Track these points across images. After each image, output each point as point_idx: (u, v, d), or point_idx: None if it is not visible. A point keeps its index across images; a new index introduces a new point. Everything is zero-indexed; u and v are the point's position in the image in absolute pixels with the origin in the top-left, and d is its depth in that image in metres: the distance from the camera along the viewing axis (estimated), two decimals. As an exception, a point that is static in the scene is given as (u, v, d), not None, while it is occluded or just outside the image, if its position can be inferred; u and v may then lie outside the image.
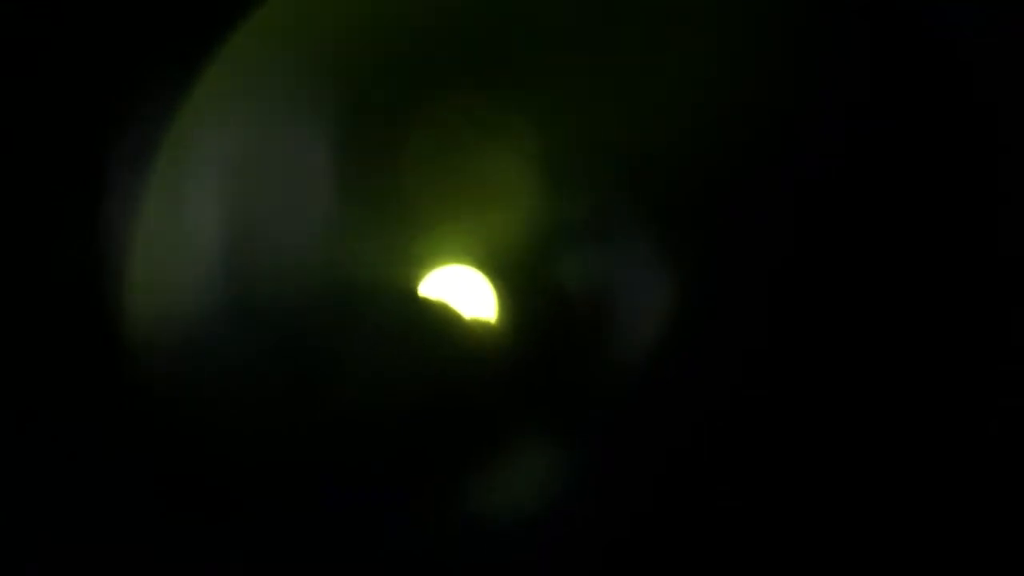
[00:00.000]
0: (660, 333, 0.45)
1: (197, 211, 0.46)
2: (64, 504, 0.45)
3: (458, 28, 0.46)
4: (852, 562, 0.44)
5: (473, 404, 0.46)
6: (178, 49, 0.45)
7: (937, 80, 0.44)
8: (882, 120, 0.45)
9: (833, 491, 0.44)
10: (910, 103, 0.45)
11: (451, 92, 0.46)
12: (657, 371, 0.45)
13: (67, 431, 0.45)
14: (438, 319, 0.46)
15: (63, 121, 0.45)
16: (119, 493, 0.45)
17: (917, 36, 0.45)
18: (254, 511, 0.46)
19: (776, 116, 0.45)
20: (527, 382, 0.46)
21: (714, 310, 0.45)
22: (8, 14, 0.45)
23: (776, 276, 0.45)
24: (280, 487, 0.46)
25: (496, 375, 0.46)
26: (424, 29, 0.46)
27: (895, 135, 0.44)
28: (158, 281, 0.46)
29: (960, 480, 0.44)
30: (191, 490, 0.45)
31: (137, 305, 0.46)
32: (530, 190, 0.45)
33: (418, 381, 0.46)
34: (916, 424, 0.44)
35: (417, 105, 0.46)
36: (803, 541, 0.44)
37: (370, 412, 0.45)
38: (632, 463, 0.45)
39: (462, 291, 0.46)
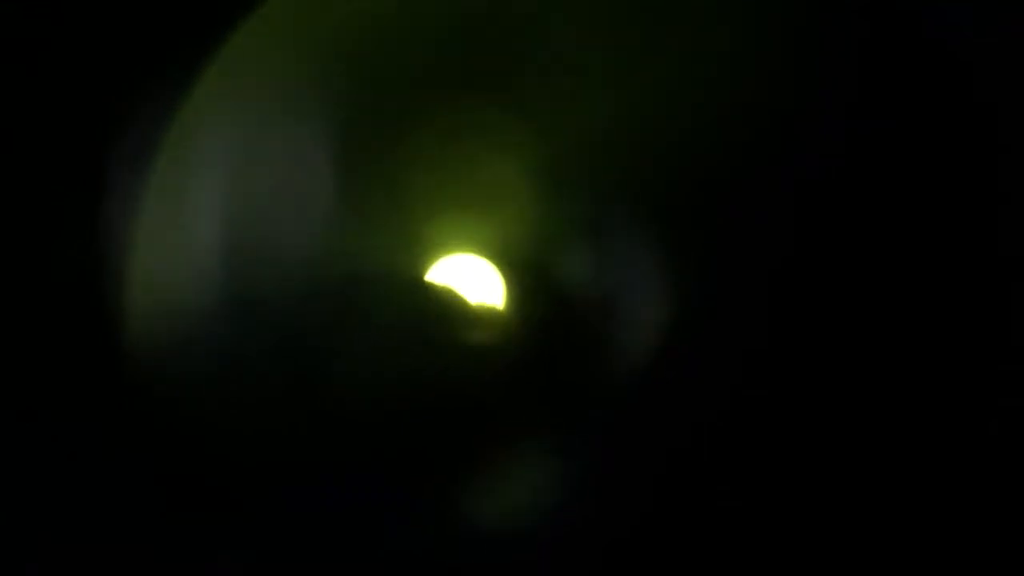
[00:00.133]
0: (660, 333, 0.45)
1: (197, 211, 0.46)
2: (64, 504, 0.45)
3: (458, 28, 0.46)
4: (852, 562, 0.44)
5: (473, 404, 0.46)
6: (178, 49, 0.45)
7: (937, 80, 0.44)
8: (882, 120, 0.45)
9: (833, 491, 0.44)
10: (910, 103, 0.45)
11: (452, 91, 0.46)
12: (657, 371, 0.45)
13: (67, 431, 0.45)
14: (440, 315, 0.46)
15: (63, 121, 0.45)
16: (119, 493, 0.45)
17: (917, 36, 0.45)
18: (254, 511, 0.46)
19: (776, 116, 0.45)
20: (527, 382, 0.46)
21: (714, 310, 0.45)
22: (8, 14, 0.45)
23: (776, 276, 0.45)
24: (280, 487, 0.46)
25: (496, 375, 0.46)
26: (424, 28, 0.46)
27: (895, 135, 0.44)
28: (158, 281, 0.46)
29: (960, 480, 0.44)
30: (191, 490, 0.45)
31: (137, 305, 0.46)
32: (530, 189, 0.45)
33: (419, 378, 0.46)
34: (916, 424, 0.44)
35: (417, 104, 0.46)
36: (803, 541, 0.44)
37: (371, 411, 0.45)
38: (632, 463, 0.45)
39: (462, 288, 0.46)
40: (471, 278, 0.46)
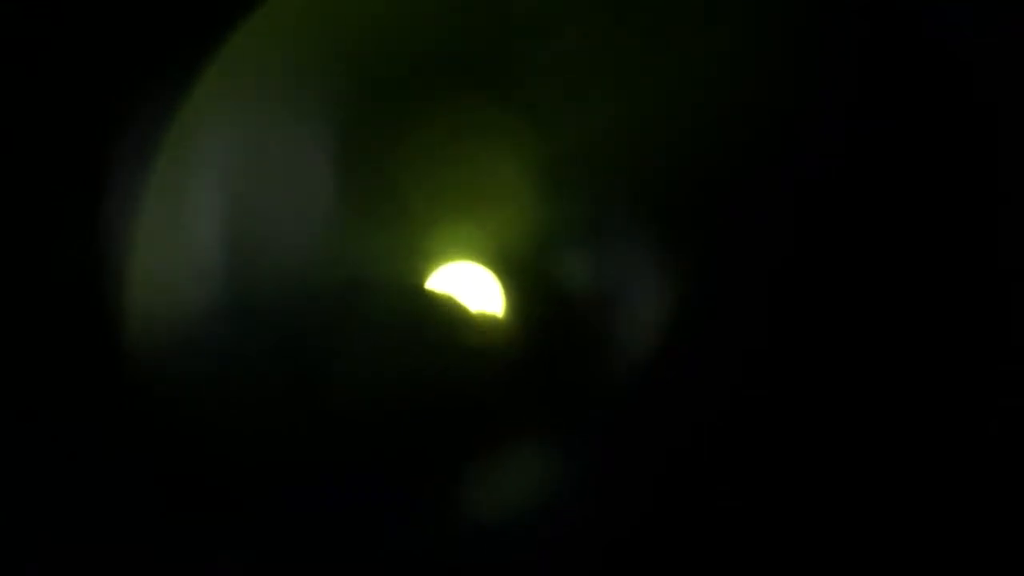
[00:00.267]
0: (660, 333, 0.45)
1: (197, 211, 0.46)
2: (64, 504, 0.45)
3: (459, 28, 0.46)
4: (852, 562, 0.44)
5: (473, 404, 0.46)
6: (178, 49, 0.45)
7: (937, 80, 0.44)
8: (882, 120, 0.45)
9: (833, 491, 0.44)
10: (910, 103, 0.45)
11: (452, 92, 0.46)
12: (657, 371, 0.45)
13: (67, 431, 0.45)
14: (440, 316, 0.46)
15: (63, 121, 0.45)
16: (119, 493, 0.45)
17: (917, 36, 0.45)
18: (254, 511, 0.46)
19: (776, 116, 0.45)
20: (527, 382, 0.46)
21: (714, 310, 0.45)
22: (8, 14, 0.45)
23: (776, 276, 0.45)
24: (280, 487, 0.46)
25: (495, 375, 0.46)
26: (425, 29, 0.46)
27: (895, 135, 0.44)
28: (158, 281, 0.46)
29: (960, 480, 0.44)
30: (191, 490, 0.45)
31: (137, 305, 0.46)
32: (530, 190, 0.45)
33: (419, 379, 0.46)
34: (916, 424, 0.44)
35: (417, 104, 0.46)
36: (803, 541, 0.44)
37: (371, 412, 0.45)
38: (632, 463, 0.45)
39: (461, 289, 0.46)
40: (471, 278, 0.46)
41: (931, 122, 0.45)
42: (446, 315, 0.47)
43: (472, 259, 0.47)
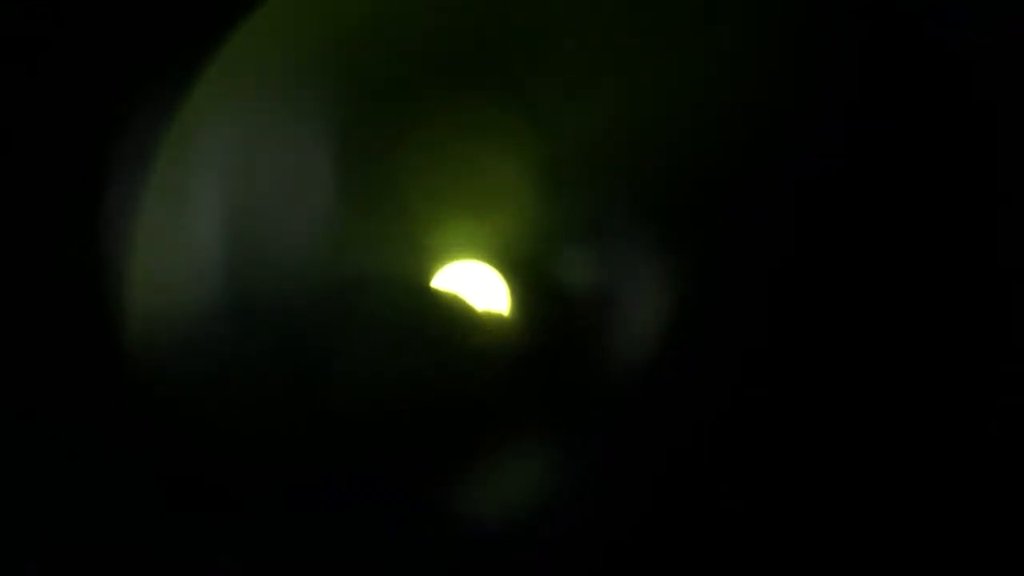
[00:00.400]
0: (660, 333, 0.45)
1: (197, 211, 0.46)
2: (64, 504, 0.45)
3: (459, 28, 0.46)
4: (852, 562, 0.44)
5: (473, 403, 0.46)
6: (178, 49, 0.45)
7: (937, 80, 0.44)
8: (882, 120, 0.45)
9: (833, 491, 0.44)
10: (910, 103, 0.45)
11: (452, 92, 0.46)
12: (657, 371, 0.45)
13: (67, 431, 0.45)
14: (439, 316, 0.46)
15: (63, 121, 0.45)
16: (119, 493, 0.45)
17: (917, 36, 0.45)
18: (254, 511, 0.46)
19: (776, 116, 0.45)
20: (527, 382, 0.46)
21: (714, 310, 0.45)
22: (8, 14, 0.45)
23: (776, 276, 0.45)
24: (280, 487, 0.46)
25: (495, 375, 0.46)
26: (425, 29, 0.46)
27: (895, 135, 0.44)
28: (158, 281, 0.46)
29: (960, 480, 0.44)
30: (191, 490, 0.45)
31: (137, 305, 0.46)
32: (531, 189, 0.45)
33: (419, 379, 0.46)
34: (916, 424, 0.44)
35: (417, 104, 0.46)
36: (803, 541, 0.44)
37: (371, 412, 0.45)
38: (632, 463, 0.45)
39: (461, 289, 0.46)
40: (471, 278, 0.46)
41: (931, 122, 0.45)
42: (446, 314, 0.47)
43: (472, 258, 0.47)
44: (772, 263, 0.45)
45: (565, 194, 0.45)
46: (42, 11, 0.45)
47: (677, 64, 0.45)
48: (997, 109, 0.44)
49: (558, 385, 0.46)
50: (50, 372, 0.45)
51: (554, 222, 0.46)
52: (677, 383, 0.45)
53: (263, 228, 0.46)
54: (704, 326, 0.45)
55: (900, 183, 0.44)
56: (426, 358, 0.46)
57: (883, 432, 0.44)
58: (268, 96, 0.46)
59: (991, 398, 0.44)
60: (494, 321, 0.46)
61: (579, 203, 0.45)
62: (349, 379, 0.46)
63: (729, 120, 0.44)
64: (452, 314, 0.46)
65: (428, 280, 0.47)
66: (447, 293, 0.47)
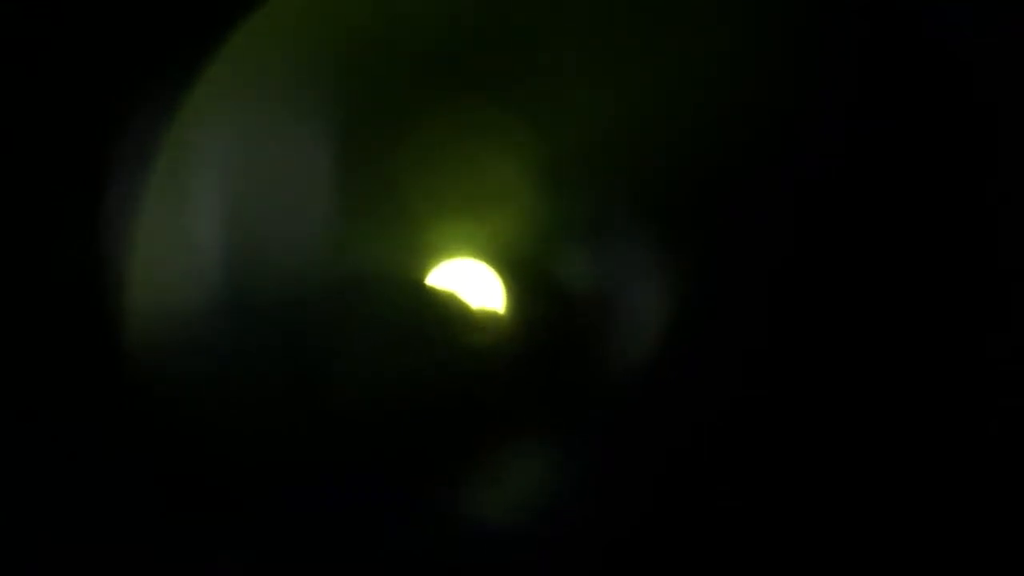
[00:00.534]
0: (660, 333, 0.45)
1: (197, 211, 0.46)
2: (64, 504, 0.45)
3: (459, 28, 0.46)
4: (852, 562, 0.44)
5: (473, 403, 0.46)
6: (178, 49, 0.45)
7: (937, 80, 0.44)
8: (882, 120, 0.45)
9: (833, 491, 0.44)
10: (910, 103, 0.45)
11: (452, 91, 0.46)
12: (657, 371, 0.45)
13: (67, 431, 0.45)
14: (439, 316, 0.46)
15: (63, 121, 0.45)
16: (119, 493, 0.45)
17: (917, 36, 0.45)
18: (254, 511, 0.46)
19: (776, 116, 0.45)
20: (527, 381, 0.46)
21: (714, 310, 0.45)
22: (8, 14, 0.45)
23: (775, 276, 0.45)
24: (280, 487, 0.46)
25: (496, 374, 0.46)
26: (424, 29, 0.46)
27: (895, 135, 0.44)
28: (158, 281, 0.46)
29: (960, 480, 0.44)
30: (191, 490, 0.45)
31: (137, 305, 0.46)
32: (531, 189, 0.45)
33: (419, 379, 0.46)
34: (916, 424, 0.44)
35: (417, 104, 0.46)
36: (803, 541, 0.44)
37: (371, 412, 0.45)
38: (632, 463, 0.45)
39: (461, 288, 0.47)
40: (471, 278, 0.46)
41: (931, 122, 0.45)
42: (446, 314, 0.47)
43: (472, 258, 0.47)
44: (772, 263, 0.45)
45: (565, 194, 0.45)
46: (42, 11, 0.45)
47: (677, 64, 0.45)
48: (997, 109, 0.44)
49: (558, 385, 0.46)
50: (50, 372, 0.45)
51: (554, 222, 0.46)
52: (677, 383, 0.45)
53: (263, 228, 0.46)
54: (704, 326, 0.45)
55: (900, 183, 0.44)
56: (426, 358, 0.46)
57: (883, 432, 0.44)
58: (268, 96, 0.46)
59: (991, 398, 0.44)
60: (494, 321, 0.46)
61: (579, 203, 0.45)
62: (349, 379, 0.46)
63: (729, 120, 0.44)
64: (452, 314, 0.46)
65: (428, 280, 0.47)
66: (447, 293, 0.47)
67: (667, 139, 0.44)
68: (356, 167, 0.46)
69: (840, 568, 0.44)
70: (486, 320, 0.46)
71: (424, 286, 0.47)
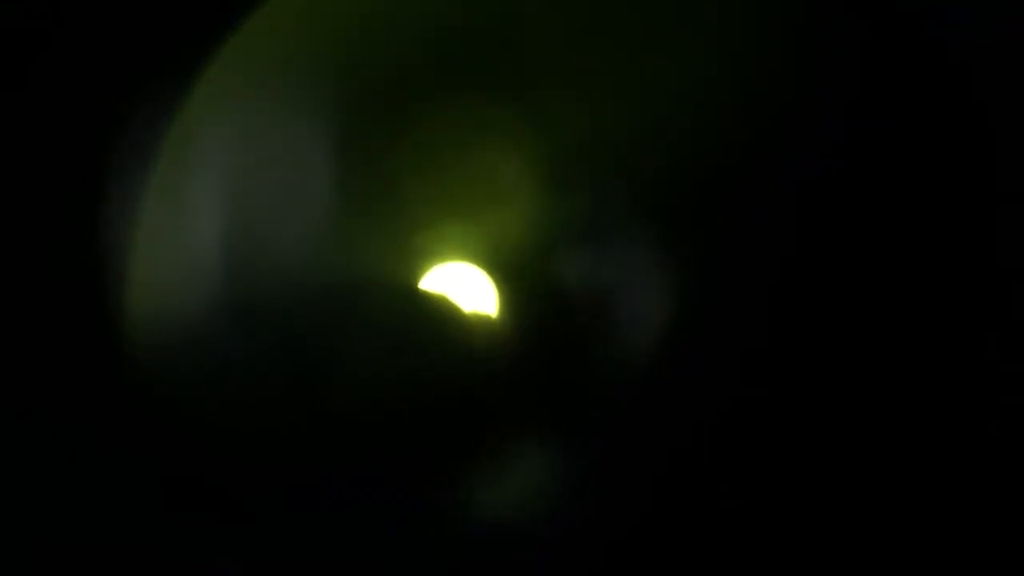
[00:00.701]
0: (660, 333, 0.45)
1: (197, 211, 0.46)
2: (64, 504, 0.45)
3: (458, 28, 0.46)
4: (852, 562, 0.44)
5: (473, 403, 0.46)
6: (178, 49, 0.45)
7: (937, 80, 0.44)
8: (881, 120, 0.45)
9: (833, 491, 0.44)
10: (909, 103, 0.45)
11: (451, 92, 0.46)
12: (657, 371, 0.45)
13: (67, 431, 0.45)
14: (439, 316, 0.46)
15: (63, 121, 0.45)
16: (119, 493, 0.45)
17: (917, 36, 0.45)
18: (254, 511, 0.46)
19: (776, 116, 0.45)
20: (527, 382, 0.46)
21: (714, 310, 0.45)
22: (8, 14, 0.45)
23: (775, 276, 0.45)
24: (280, 487, 0.46)
25: (496, 374, 0.46)
26: (424, 29, 0.46)
27: (894, 135, 0.44)
28: (158, 281, 0.46)
29: (960, 480, 0.44)
30: (191, 490, 0.45)
31: (137, 305, 0.46)
32: (530, 190, 0.45)
33: (418, 379, 0.46)
34: (916, 424, 0.44)
35: (417, 104, 0.46)
36: (803, 541, 0.44)
37: (370, 412, 0.45)
38: (632, 463, 0.45)
39: (462, 289, 0.46)
40: (471, 278, 0.46)
41: (931, 122, 0.45)
42: (446, 315, 0.47)
43: (472, 259, 0.47)
44: (772, 263, 0.45)
45: (565, 195, 0.45)
46: (42, 11, 0.45)
47: (677, 64, 0.45)
48: (997, 109, 0.44)
49: (558, 385, 0.46)
50: (50, 372, 0.45)
51: (554, 222, 0.46)
52: (677, 383, 0.45)
53: (263, 228, 0.46)
54: (704, 326, 0.45)
55: (900, 183, 0.44)
56: (426, 358, 0.46)
57: (883, 432, 0.44)
58: (268, 96, 0.46)
59: (991, 398, 0.44)
60: (494, 321, 0.46)
61: (579, 203, 0.45)
62: (349, 379, 0.46)
63: (729, 120, 0.44)
64: (452, 314, 0.46)
65: (428, 280, 0.47)
66: (447, 293, 0.47)
67: (667, 139, 0.44)
68: (356, 167, 0.46)
69: (840, 568, 0.44)
70: (486, 320, 0.46)
71: (424, 286, 0.47)
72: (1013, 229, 0.44)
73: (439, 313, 0.46)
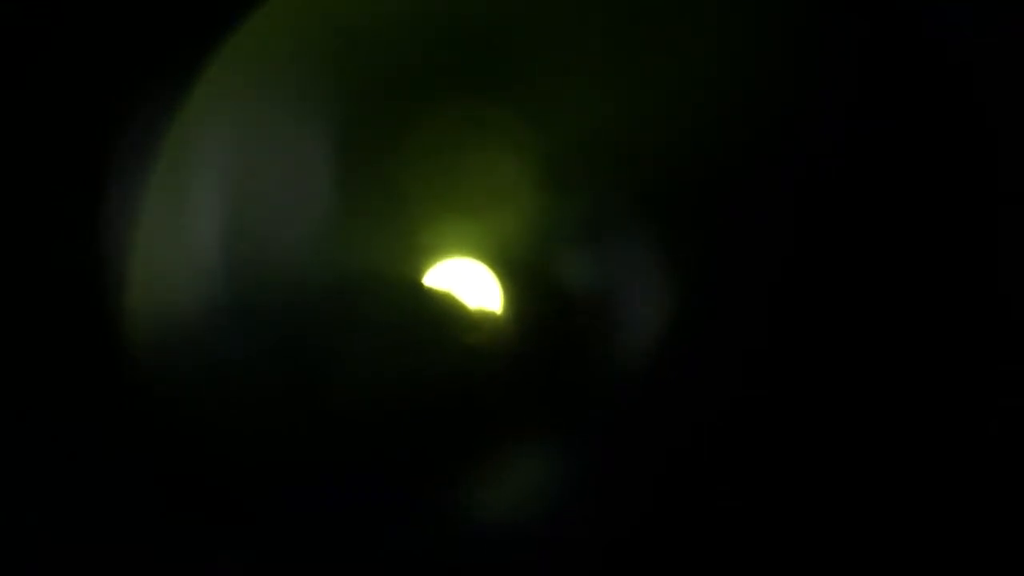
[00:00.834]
0: (660, 333, 0.45)
1: (197, 211, 0.46)
2: (64, 504, 0.45)
3: (458, 28, 0.46)
4: (852, 562, 0.44)
5: (473, 403, 0.46)
6: (178, 49, 0.45)
7: (937, 80, 0.44)
8: (881, 120, 0.45)
9: (833, 491, 0.44)
10: (909, 103, 0.45)
11: (451, 91, 0.46)
12: (657, 371, 0.45)
13: (67, 431, 0.45)
14: (439, 316, 0.46)
15: (63, 121, 0.45)
16: (119, 493, 0.45)
17: (917, 36, 0.45)
18: (254, 511, 0.46)
19: (776, 116, 0.45)
20: (527, 381, 0.46)
21: (713, 310, 0.45)
22: (8, 14, 0.45)
23: (776, 276, 0.45)
24: (280, 487, 0.46)
25: (496, 374, 0.46)
26: (424, 28, 0.46)
27: (894, 135, 0.44)
28: (158, 281, 0.46)
29: (960, 480, 0.44)
30: (191, 490, 0.45)
31: (137, 305, 0.46)
32: (530, 189, 0.45)
33: (419, 379, 0.46)
34: (916, 424, 0.44)
35: (417, 104, 0.46)
36: (803, 541, 0.44)
37: (371, 412, 0.45)
38: (632, 463, 0.45)
39: (463, 288, 0.46)
40: (471, 277, 0.46)
41: (931, 122, 0.45)
42: (446, 315, 0.47)
43: (472, 258, 0.47)
44: (772, 263, 0.45)
45: (565, 194, 0.45)
46: (42, 11, 0.45)
47: (677, 63, 0.45)
48: (997, 109, 0.44)
49: (558, 385, 0.46)
50: (50, 372, 0.45)
51: (553, 222, 0.46)
52: (677, 383, 0.45)
53: (263, 228, 0.46)
54: (704, 326, 0.45)
55: (900, 183, 0.44)
56: (426, 358, 0.46)
57: (883, 432, 0.44)
58: (268, 96, 0.46)
59: (991, 398, 0.44)
60: (494, 321, 0.46)
61: (579, 203, 0.45)
62: (349, 379, 0.46)
63: (729, 120, 0.44)
64: (452, 314, 0.46)
65: (428, 280, 0.47)
66: (447, 293, 0.47)
67: (667, 139, 0.44)
68: (356, 167, 0.46)
69: (840, 568, 0.44)
70: (485, 320, 0.46)
71: (424, 286, 0.47)
72: (1013, 229, 0.44)
73: (439, 313, 0.46)
